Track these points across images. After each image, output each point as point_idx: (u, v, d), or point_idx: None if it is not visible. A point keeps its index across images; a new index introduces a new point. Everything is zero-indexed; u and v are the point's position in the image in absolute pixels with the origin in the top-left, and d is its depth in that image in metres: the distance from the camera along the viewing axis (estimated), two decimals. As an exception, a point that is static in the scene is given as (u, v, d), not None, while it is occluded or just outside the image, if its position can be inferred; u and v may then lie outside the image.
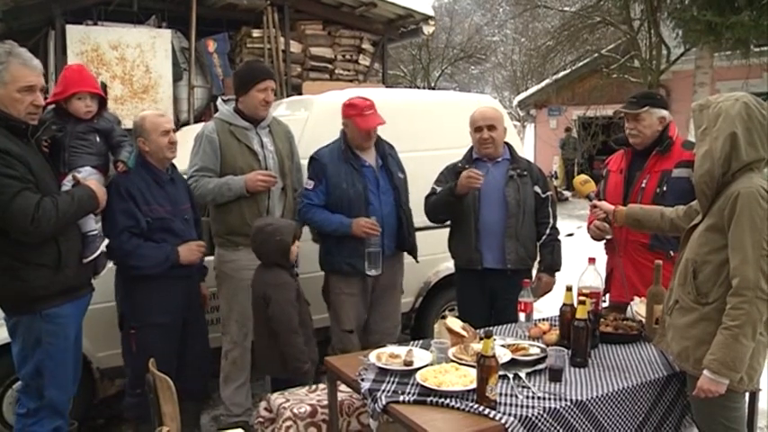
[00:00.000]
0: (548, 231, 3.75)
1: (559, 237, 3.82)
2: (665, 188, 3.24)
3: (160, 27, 6.93)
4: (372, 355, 2.73)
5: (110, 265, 3.24)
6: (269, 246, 3.33)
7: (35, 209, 2.64)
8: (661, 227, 2.96)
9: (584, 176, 3.44)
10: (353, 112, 3.67)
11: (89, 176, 2.98)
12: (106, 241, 3.06)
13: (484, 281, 3.68)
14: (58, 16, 6.38)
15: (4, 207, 2.60)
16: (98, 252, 3.00)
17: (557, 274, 3.79)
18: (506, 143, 3.80)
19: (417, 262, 4.00)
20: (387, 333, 3.91)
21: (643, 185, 3.32)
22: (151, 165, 3.32)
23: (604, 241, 3.52)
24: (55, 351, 2.86)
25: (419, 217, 3.86)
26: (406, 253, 3.97)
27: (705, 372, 2.34)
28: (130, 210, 3.19)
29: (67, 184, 2.92)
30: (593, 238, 3.51)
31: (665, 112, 3.35)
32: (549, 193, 3.79)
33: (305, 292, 3.51)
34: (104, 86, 6.14)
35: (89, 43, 6.40)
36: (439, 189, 3.73)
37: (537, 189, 3.73)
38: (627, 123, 3.39)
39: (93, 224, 3.01)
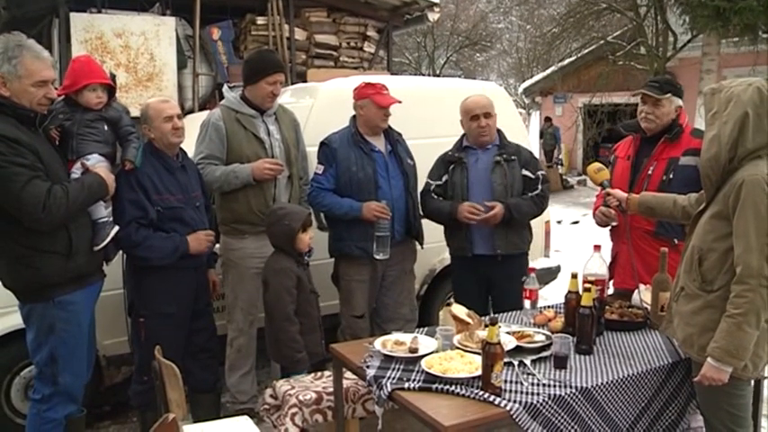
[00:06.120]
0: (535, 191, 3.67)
1: (544, 198, 3.73)
2: (671, 175, 3.22)
3: (164, 14, 6.90)
4: (378, 343, 2.74)
5: (118, 252, 3.25)
6: (276, 228, 3.35)
7: (46, 196, 2.65)
8: (673, 214, 2.93)
9: (597, 164, 3.35)
10: (371, 90, 3.67)
11: (97, 164, 2.98)
12: (116, 228, 3.06)
13: (476, 267, 3.68)
14: (62, 4, 6.35)
15: (16, 195, 2.61)
16: (108, 239, 3.01)
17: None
18: (497, 129, 3.77)
19: (422, 248, 4.00)
20: (406, 319, 3.92)
21: (650, 172, 3.30)
22: (160, 152, 3.29)
23: (609, 228, 3.51)
24: (68, 338, 2.89)
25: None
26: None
27: (708, 359, 2.35)
28: (139, 200, 3.18)
29: (76, 171, 2.93)
30: (598, 224, 3.50)
31: (681, 102, 3.32)
32: (540, 172, 3.75)
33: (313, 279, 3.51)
34: (113, 77, 6.12)
35: (93, 31, 6.37)
36: (434, 184, 3.76)
37: (526, 172, 3.70)
38: (643, 106, 3.30)
39: (103, 211, 3.02)
